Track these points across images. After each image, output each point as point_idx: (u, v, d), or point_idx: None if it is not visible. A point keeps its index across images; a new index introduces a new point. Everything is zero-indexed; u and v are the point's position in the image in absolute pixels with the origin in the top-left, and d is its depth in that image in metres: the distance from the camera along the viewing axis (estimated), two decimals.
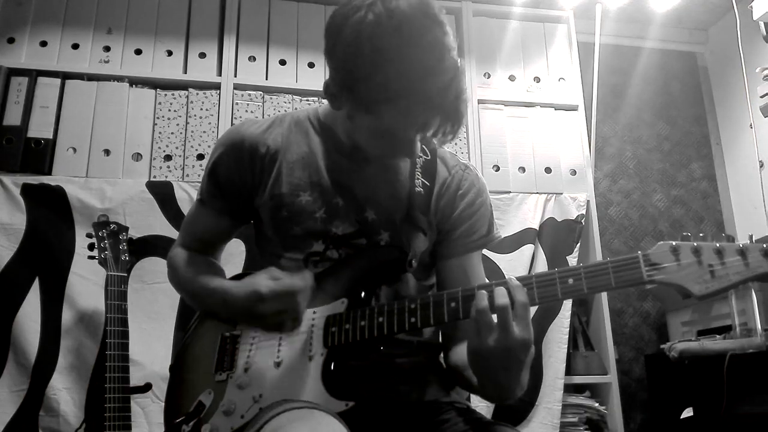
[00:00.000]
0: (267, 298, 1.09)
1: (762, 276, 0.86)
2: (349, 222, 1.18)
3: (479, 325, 0.95)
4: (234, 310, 1.15)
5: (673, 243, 0.90)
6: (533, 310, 2.51)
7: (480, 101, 2.67)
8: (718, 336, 2.21)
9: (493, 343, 0.94)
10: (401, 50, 0.97)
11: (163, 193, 2.27)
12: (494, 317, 0.95)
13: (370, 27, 0.97)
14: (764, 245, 0.87)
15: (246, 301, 1.11)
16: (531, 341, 0.95)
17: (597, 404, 2.43)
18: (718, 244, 0.89)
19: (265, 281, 1.11)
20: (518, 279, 0.99)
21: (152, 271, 2.19)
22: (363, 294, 1.12)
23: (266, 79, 2.51)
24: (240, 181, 1.23)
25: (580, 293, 0.95)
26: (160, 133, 2.37)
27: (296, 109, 2.42)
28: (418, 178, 1.21)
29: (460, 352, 1.13)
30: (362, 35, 0.98)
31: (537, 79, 2.77)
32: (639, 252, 0.92)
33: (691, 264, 0.89)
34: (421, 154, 1.25)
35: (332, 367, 1.07)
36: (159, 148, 2.36)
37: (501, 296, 0.95)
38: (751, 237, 0.89)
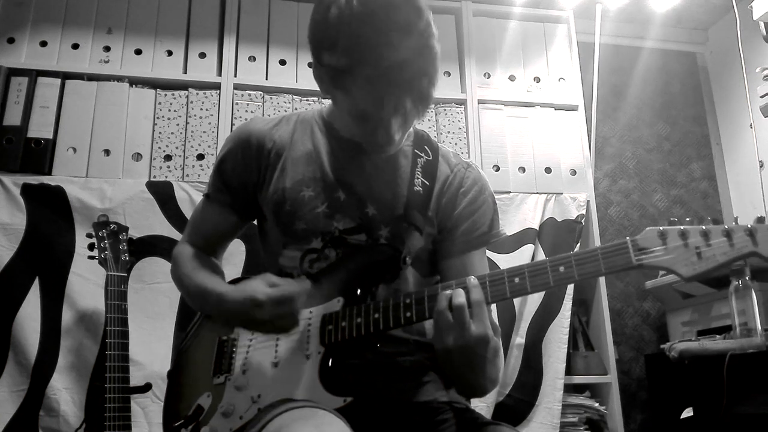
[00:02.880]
0: (264, 305, 1.08)
1: (747, 255, 0.88)
2: (351, 217, 1.19)
3: (439, 326, 1.00)
4: (229, 313, 1.15)
5: (661, 228, 0.93)
6: (534, 302, 2.50)
7: (480, 101, 2.67)
8: (718, 336, 2.21)
9: (452, 342, 0.98)
10: (363, 21, 1.00)
11: (163, 193, 2.27)
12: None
13: (340, 2, 1.02)
14: (748, 225, 0.89)
15: (242, 306, 1.10)
16: (488, 337, 0.98)
17: (597, 404, 2.43)
18: (704, 227, 0.91)
19: (261, 287, 1.10)
20: (509, 270, 1.01)
21: (152, 271, 2.19)
22: (359, 292, 1.13)
23: (266, 79, 2.51)
24: (246, 175, 1.25)
25: (572, 280, 0.97)
26: (160, 133, 2.37)
27: (296, 109, 2.42)
28: (417, 178, 1.22)
29: None
30: (331, 9, 1.03)
31: (537, 79, 2.77)
32: (627, 237, 0.95)
33: (678, 247, 0.91)
34: (423, 155, 1.26)
35: (330, 365, 1.08)
36: (159, 148, 2.36)
37: (458, 296, 0.99)
38: (736, 219, 0.91)
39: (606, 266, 0.95)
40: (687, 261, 0.90)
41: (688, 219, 0.93)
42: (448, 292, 1.01)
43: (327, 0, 1.05)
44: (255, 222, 1.35)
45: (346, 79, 1.05)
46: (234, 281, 1.27)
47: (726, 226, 0.89)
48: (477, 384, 1.04)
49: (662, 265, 0.92)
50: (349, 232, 1.19)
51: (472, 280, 1.02)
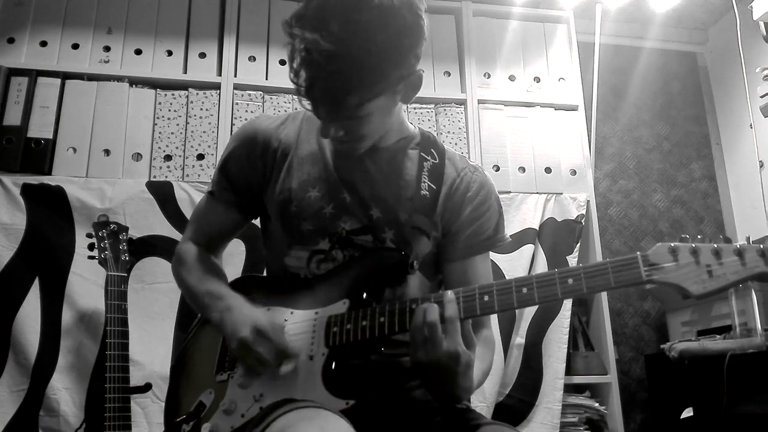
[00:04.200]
0: (260, 334, 1.07)
1: (758, 276, 0.88)
2: (357, 218, 1.19)
3: (414, 340, 1.00)
4: (226, 326, 1.13)
5: (672, 244, 0.93)
6: (533, 309, 2.52)
7: (480, 101, 2.67)
8: (718, 336, 2.21)
9: (424, 357, 0.99)
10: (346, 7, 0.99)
11: (163, 193, 2.27)
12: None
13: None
14: (761, 246, 0.89)
15: (242, 324, 1.09)
16: (458, 353, 0.98)
17: (597, 404, 2.43)
18: (715, 245, 0.90)
19: (269, 323, 1.09)
20: (518, 280, 1.00)
21: (152, 271, 2.19)
22: (365, 295, 1.13)
23: (266, 79, 2.51)
24: (251, 174, 1.25)
25: (580, 293, 0.97)
26: (160, 133, 2.37)
27: (296, 109, 2.42)
28: (424, 182, 1.21)
29: None
30: None
31: (537, 79, 2.77)
32: (638, 252, 0.94)
33: (689, 264, 0.91)
34: (429, 158, 1.25)
35: (333, 367, 1.07)
36: (159, 148, 2.36)
37: (431, 313, 0.99)
38: (748, 238, 0.91)
39: (615, 280, 0.94)
40: (698, 279, 0.90)
41: (699, 237, 0.93)
42: (424, 306, 1.01)
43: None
44: (256, 221, 1.35)
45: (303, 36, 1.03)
46: (236, 280, 1.28)
47: (738, 246, 0.89)
48: (450, 393, 1.04)
49: (672, 281, 0.92)
50: (355, 232, 1.18)
51: (449, 295, 1.02)
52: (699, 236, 0.93)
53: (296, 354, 1.09)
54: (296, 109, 2.39)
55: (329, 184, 1.20)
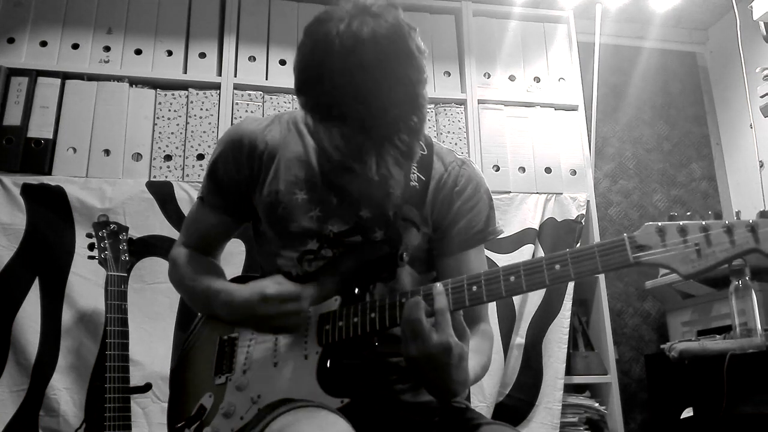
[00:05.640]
0: (271, 299, 1.08)
1: (748, 252, 0.85)
2: (345, 221, 1.19)
3: (404, 335, 0.99)
4: (236, 310, 1.15)
5: (659, 224, 0.89)
6: (534, 302, 2.49)
7: (480, 101, 2.67)
8: (718, 336, 2.21)
9: (415, 351, 0.98)
10: (348, 72, 0.94)
11: (163, 193, 2.27)
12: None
13: (328, 43, 0.96)
14: (749, 221, 0.85)
15: (250, 301, 1.11)
16: (450, 345, 0.96)
17: (597, 404, 2.43)
18: (703, 222, 0.87)
19: (271, 284, 1.11)
20: (505, 268, 0.99)
21: (152, 271, 2.19)
22: (356, 291, 1.13)
23: (266, 79, 2.51)
24: (239, 177, 1.24)
25: (568, 279, 0.94)
26: (160, 133, 2.37)
27: (296, 108, 2.42)
28: (413, 173, 1.21)
29: None
30: (317, 49, 0.98)
31: (537, 79, 2.77)
32: (625, 234, 0.91)
33: (677, 244, 0.88)
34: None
35: (327, 365, 1.07)
36: (159, 148, 2.36)
37: (418, 306, 0.98)
38: (738, 213, 0.88)
39: (603, 264, 0.91)
40: (686, 258, 0.87)
41: (688, 213, 0.91)
42: (412, 300, 1.00)
43: (315, 35, 0.99)
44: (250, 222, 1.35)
45: (321, 120, 1.02)
46: (235, 279, 1.28)
47: (727, 222, 0.86)
48: (445, 387, 1.02)
49: (660, 262, 0.88)
50: (344, 234, 1.18)
51: (438, 287, 1.01)
52: (688, 213, 0.91)
53: (310, 292, 1.10)
54: (296, 108, 2.40)
55: (316, 187, 1.19)
